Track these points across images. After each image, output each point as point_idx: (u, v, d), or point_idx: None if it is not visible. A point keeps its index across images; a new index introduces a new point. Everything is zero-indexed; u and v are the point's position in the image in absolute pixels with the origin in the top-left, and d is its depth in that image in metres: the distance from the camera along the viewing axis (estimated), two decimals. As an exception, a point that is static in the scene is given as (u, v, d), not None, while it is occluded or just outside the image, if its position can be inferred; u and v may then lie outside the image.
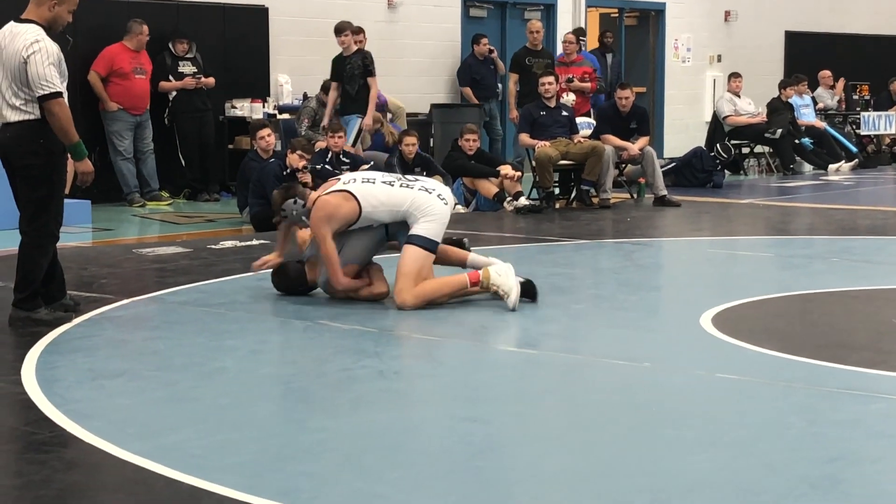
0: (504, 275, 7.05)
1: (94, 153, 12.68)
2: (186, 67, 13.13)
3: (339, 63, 12.74)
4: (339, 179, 7.33)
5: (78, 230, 10.76)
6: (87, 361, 5.86)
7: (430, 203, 7.11)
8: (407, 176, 7.51)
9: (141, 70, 12.72)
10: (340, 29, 12.69)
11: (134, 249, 9.66)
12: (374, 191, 7.11)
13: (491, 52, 15.60)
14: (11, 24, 6.73)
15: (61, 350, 6.07)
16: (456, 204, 11.98)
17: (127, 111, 12.65)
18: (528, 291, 7.15)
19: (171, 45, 13.06)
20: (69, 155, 6.74)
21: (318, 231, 7.07)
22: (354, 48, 12.71)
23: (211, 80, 13.16)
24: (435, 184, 7.40)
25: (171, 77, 13.04)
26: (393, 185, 7.17)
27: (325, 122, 12.64)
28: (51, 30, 6.69)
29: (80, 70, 12.48)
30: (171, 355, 6.12)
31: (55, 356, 5.93)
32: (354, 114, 12.58)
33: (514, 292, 6.97)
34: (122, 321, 6.90)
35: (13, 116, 6.63)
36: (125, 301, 7.37)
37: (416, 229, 7.06)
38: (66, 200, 11.07)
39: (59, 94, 6.57)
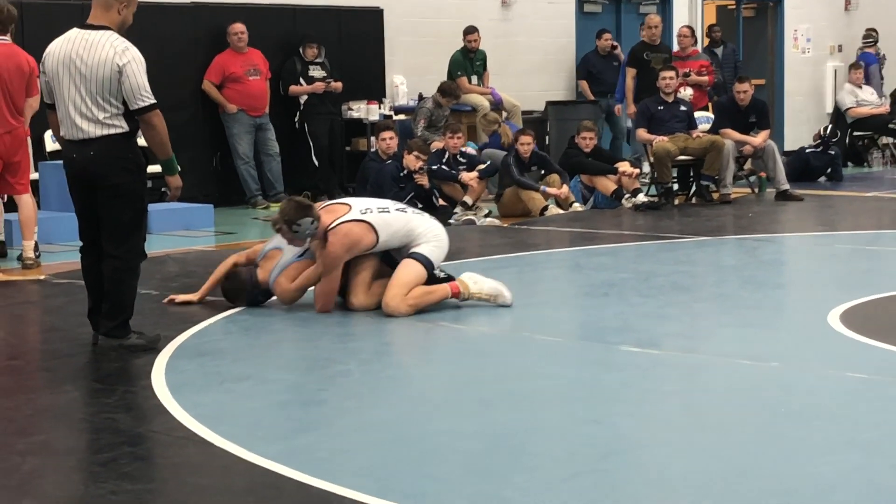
0: (479, 281, 7.12)
1: (215, 157, 12.94)
2: (316, 72, 13.23)
3: None
4: (349, 206, 7.14)
5: (201, 234, 10.93)
6: (215, 365, 5.95)
7: (438, 231, 7.23)
8: (413, 209, 7.56)
9: (255, 71, 12.82)
10: None
11: (256, 252, 9.75)
12: (389, 220, 7.11)
13: (614, 47, 15.49)
14: (79, 31, 6.09)
15: (189, 355, 6.17)
16: (573, 202, 11.98)
17: (246, 112, 12.80)
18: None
19: (301, 50, 13.18)
20: (161, 169, 6.27)
21: (334, 257, 6.93)
22: None
23: (339, 84, 13.24)
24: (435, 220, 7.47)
25: (301, 81, 13.16)
26: (406, 213, 7.27)
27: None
28: (119, 34, 6.09)
29: (200, 77, 12.68)
30: (295, 358, 6.19)
31: (183, 361, 6.02)
32: None
33: (502, 290, 7.06)
34: (247, 325, 6.98)
35: (97, 131, 6.02)
36: (249, 304, 7.46)
37: (422, 248, 7.11)
38: (188, 204, 11.50)
39: (157, 105, 6.08)
